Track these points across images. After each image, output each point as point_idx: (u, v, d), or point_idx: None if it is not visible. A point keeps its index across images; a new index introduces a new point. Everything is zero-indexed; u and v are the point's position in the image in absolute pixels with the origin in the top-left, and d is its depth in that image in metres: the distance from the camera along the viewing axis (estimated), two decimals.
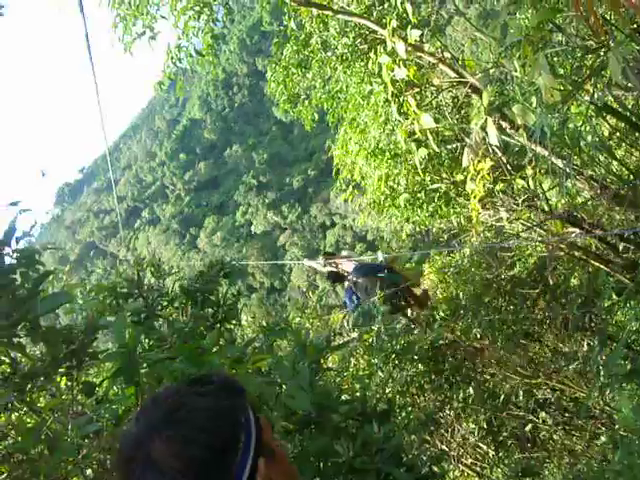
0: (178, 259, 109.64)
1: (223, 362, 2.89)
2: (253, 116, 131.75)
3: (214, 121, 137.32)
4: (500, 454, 8.07)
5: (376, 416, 3.44)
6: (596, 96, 5.73)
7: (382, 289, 8.45)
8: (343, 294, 9.71)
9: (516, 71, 6.29)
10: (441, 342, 8.47)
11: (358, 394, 4.35)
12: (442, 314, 8.97)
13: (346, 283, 9.41)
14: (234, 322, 4.55)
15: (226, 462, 1.19)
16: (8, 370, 3.50)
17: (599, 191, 7.28)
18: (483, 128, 6.34)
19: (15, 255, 3.29)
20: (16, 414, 3.68)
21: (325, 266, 9.77)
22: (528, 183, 7.18)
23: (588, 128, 6.96)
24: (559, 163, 6.68)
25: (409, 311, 9.26)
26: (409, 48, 6.77)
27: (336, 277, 9.75)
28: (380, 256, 9.51)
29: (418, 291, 9.54)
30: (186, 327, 3.68)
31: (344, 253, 10.39)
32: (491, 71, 8.14)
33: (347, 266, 9.55)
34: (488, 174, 6.80)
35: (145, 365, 2.79)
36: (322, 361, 3.96)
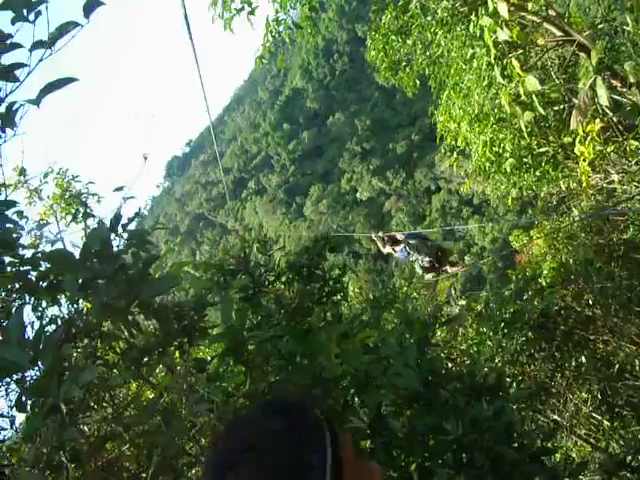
0: (285, 228, 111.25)
1: (329, 339, 2.93)
2: (354, 83, 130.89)
3: (316, 90, 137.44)
4: (615, 424, 7.82)
5: (485, 391, 3.40)
6: None
7: (429, 249, 11.88)
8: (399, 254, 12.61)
9: (628, 25, 6.00)
10: (552, 308, 8.29)
11: (466, 368, 4.30)
12: (549, 280, 8.77)
13: (401, 245, 12.17)
14: (340, 296, 4.57)
15: None
16: (124, 346, 3.69)
17: None
18: (592, 88, 6.09)
19: (126, 236, 3.47)
20: (134, 386, 3.88)
21: (383, 241, 12.71)
22: None
23: None
24: None
25: (448, 268, 12.57)
26: (511, 8, 6.52)
27: (394, 241, 12.49)
28: (423, 233, 12.94)
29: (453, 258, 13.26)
30: (293, 303, 3.74)
31: (398, 233, 13.21)
32: (600, 26, 7.77)
33: (399, 236, 12.56)
34: (598, 136, 6.52)
35: (252, 344, 2.86)
36: (430, 335, 3.92)
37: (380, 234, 12.73)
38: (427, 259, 11.97)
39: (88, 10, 2.46)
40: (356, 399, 3.30)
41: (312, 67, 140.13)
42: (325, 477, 1.22)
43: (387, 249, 12.67)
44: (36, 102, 2.32)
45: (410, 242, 11.96)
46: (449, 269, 12.53)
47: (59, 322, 3.60)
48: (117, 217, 3.02)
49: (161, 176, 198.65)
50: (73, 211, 6.73)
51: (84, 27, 2.44)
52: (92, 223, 6.12)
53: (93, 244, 2.55)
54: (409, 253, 12.10)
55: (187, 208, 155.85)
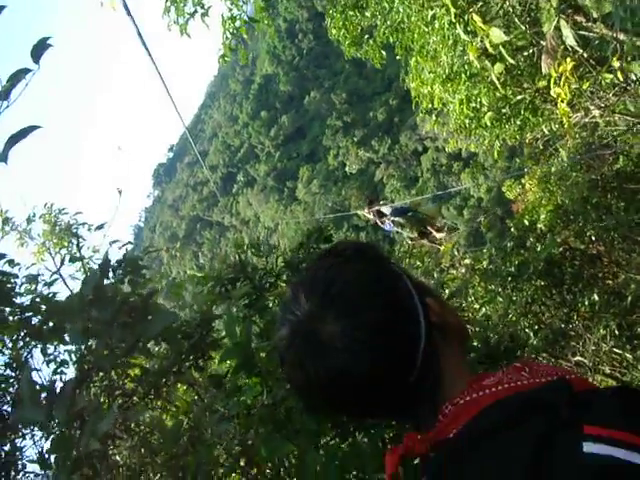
0: (281, 214, 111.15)
1: None
2: (323, 58, 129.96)
3: (287, 72, 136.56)
4: (639, 353, 7.83)
5: (501, 356, 3.38)
6: None
7: (410, 222, 13.14)
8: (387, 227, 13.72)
9: None
10: (555, 253, 8.27)
11: (479, 335, 4.30)
12: (547, 224, 8.79)
13: (387, 220, 13.23)
14: None
15: (400, 312, 1.12)
16: (140, 372, 3.70)
17: None
18: (557, 28, 6.04)
19: (121, 265, 3.48)
20: (157, 410, 3.90)
21: (370, 213, 13.75)
22: (616, 75, 6.77)
23: None
24: None
25: (435, 234, 13.54)
26: None
27: (380, 214, 13.46)
28: (407, 202, 14.89)
29: (437, 223, 14.27)
30: None
31: (383, 206, 14.05)
32: None
33: (385, 209, 13.57)
34: (571, 74, 6.46)
35: (263, 351, 2.86)
36: None
37: (366, 210, 13.87)
38: (413, 234, 13.22)
39: (36, 55, 2.43)
40: None
41: (279, 51, 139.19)
42: (406, 280, 1.19)
43: (377, 221, 13.70)
44: (2, 158, 2.29)
45: (394, 219, 13.12)
46: (436, 235, 13.44)
47: (71, 359, 3.61)
48: (106, 262, 3.02)
49: (150, 186, 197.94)
50: (66, 244, 6.72)
51: (36, 71, 2.43)
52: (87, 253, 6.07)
53: (87, 292, 2.55)
54: (394, 228, 13.36)
55: (181, 212, 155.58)
